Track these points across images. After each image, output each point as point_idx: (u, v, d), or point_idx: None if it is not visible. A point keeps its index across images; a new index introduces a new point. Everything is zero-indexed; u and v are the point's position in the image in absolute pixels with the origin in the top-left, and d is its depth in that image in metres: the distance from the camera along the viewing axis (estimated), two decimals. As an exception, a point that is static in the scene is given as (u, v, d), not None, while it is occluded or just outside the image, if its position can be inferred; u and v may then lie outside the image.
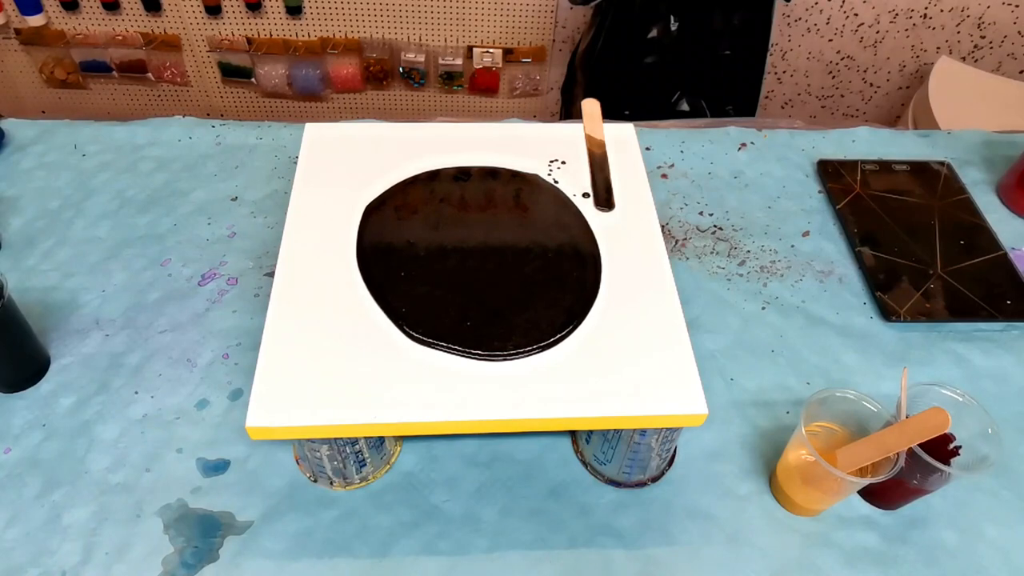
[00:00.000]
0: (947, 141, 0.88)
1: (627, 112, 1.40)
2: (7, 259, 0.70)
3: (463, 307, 0.51)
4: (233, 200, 0.77)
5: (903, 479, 0.52)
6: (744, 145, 0.86)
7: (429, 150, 0.63)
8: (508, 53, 1.67)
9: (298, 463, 0.57)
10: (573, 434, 0.59)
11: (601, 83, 1.43)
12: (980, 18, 1.55)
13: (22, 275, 0.68)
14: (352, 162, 0.61)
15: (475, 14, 1.60)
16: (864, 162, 0.83)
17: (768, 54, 1.49)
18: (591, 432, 0.55)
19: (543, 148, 0.64)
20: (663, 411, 0.47)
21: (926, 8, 1.55)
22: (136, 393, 0.60)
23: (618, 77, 1.41)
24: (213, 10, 1.60)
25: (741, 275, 0.72)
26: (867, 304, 0.70)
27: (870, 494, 0.56)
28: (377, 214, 0.57)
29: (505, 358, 0.49)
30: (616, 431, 0.52)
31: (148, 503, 0.54)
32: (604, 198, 0.60)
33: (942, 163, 0.83)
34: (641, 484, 0.57)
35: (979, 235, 0.75)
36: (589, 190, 0.60)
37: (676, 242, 0.75)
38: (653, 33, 1.42)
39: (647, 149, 0.85)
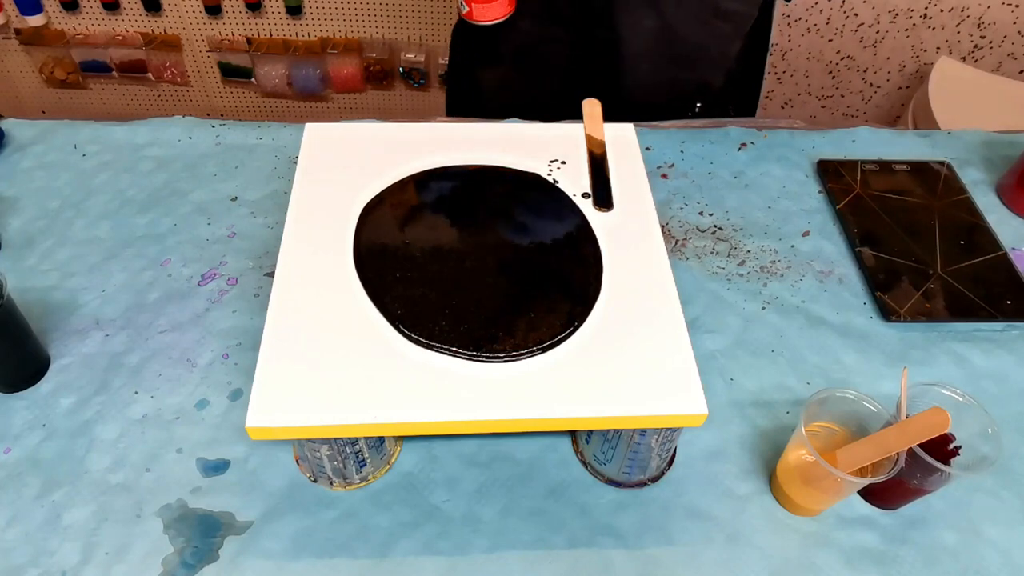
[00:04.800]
0: (947, 141, 0.88)
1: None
2: (7, 259, 0.70)
3: (463, 309, 0.51)
4: (233, 200, 0.77)
5: (903, 479, 0.52)
6: (744, 145, 0.86)
7: (429, 150, 0.63)
8: (508, 53, 1.67)
9: (298, 463, 0.57)
10: (573, 434, 0.59)
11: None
12: (980, 18, 1.55)
13: (22, 275, 0.68)
14: (352, 162, 0.61)
15: (475, 14, 1.60)
16: (864, 162, 0.83)
17: (768, 54, 1.49)
18: (591, 432, 0.55)
19: (543, 148, 0.64)
20: (663, 411, 0.47)
21: (926, 8, 1.55)
22: (136, 393, 0.60)
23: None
24: (213, 10, 1.60)
25: (741, 275, 0.72)
26: (867, 304, 0.70)
27: (870, 494, 0.56)
28: (376, 214, 0.57)
29: (504, 360, 0.49)
30: (616, 431, 0.52)
31: (148, 503, 0.54)
32: (604, 198, 0.60)
33: (942, 163, 0.83)
34: (641, 484, 0.57)
35: (979, 235, 0.75)
36: (589, 190, 0.60)
37: (676, 242, 0.75)
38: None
39: (647, 149, 0.85)
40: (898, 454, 0.49)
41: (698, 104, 0.96)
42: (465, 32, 1.00)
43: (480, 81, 1.02)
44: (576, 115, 0.67)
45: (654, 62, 0.92)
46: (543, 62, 0.98)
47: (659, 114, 0.93)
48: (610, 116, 0.66)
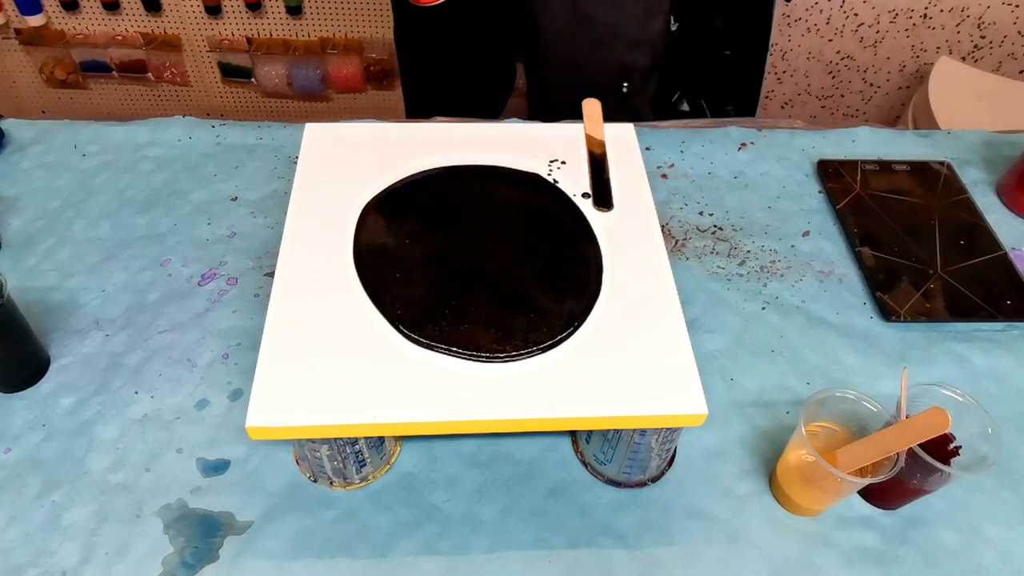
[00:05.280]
0: (947, 141, 0.88)
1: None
2: (7, 259, 0.70)
3: (462, 309, 0.51)
4: (233, 200, 0.77)
5: (903, 479, 0.52)
6: (744, 145, 0.86)
7: (429, 150, 0.63)
8: (508, 53, 1.67)
9: (298, 463, 0.57)
10: (573, 434, 0.59)
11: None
12: (980, 18, 1.55)
13: (22, 275, 0.68)
14: (352, 162, 0.61)
15: (475, 14, 1.60)
16: (864, 162, 0.83)
17: (768, 54, 1.48)
18: (591, 432, 0.55)
19: (543, 148, 0.64)
20: (663, 411, 0.47)
21: (926, 8, 1.55)
22: (136, 393, 0.60)
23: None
24: (213, 10, 1.60)
25: (741, 275, 0.72)
26: (867, 304, 0.70)
27: (870, 494, 0.56)
28: (376, 214, 0.57)
29: (504, 360, 0.48)
30: (616, 431, 0.52)
31: (148, 503, 0.54)
32: (604, 198, 0.60)
33: (942, 163, 0.83)
34: (641, 484, 0.57)
35: (979, 235, 0.75)
36: (589, 190, 0.60)
37: (676, 242, 0.75)
38: (653, 33, 1.42)
39: (647, 149, 0.85)
40: (898, 454, 0.49)
41: (624, 84, 0.97)
42: (403, 31, 1.02)
43: (428, 77, 1.04)
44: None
45: (572, 45, 0.93)
46: (475, 51, 1.00)
47: (589, 97, 0.94)
48: (540, 103, 0.66)
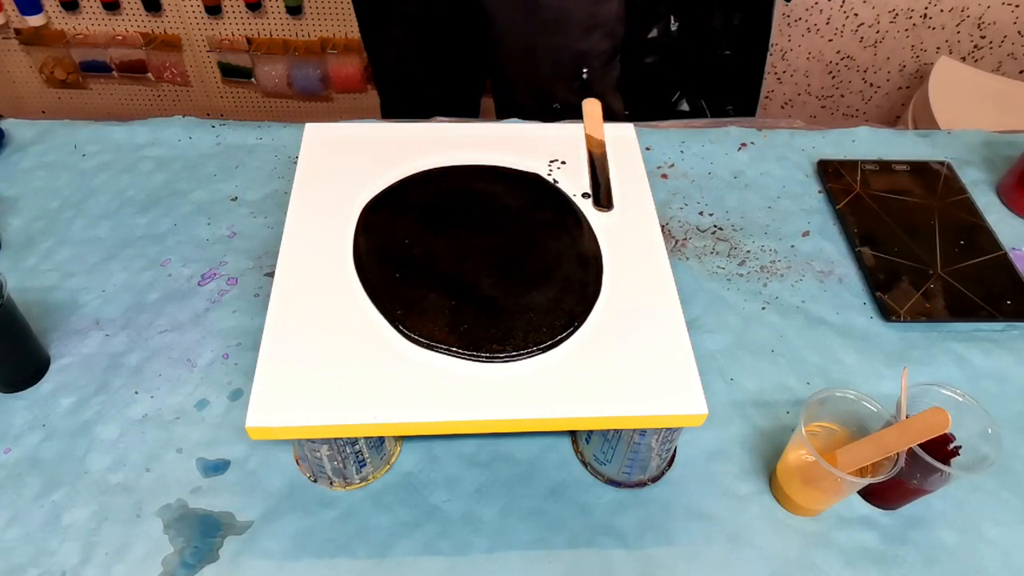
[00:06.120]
0: (947, 141, 0.88)
1: (627, 112, 1.41)
2: (7, 259, 0.70)
3: (462, 309, 0.51)
4: (233, 200, 0.77)
5: (903, 479, 0.52)
6: (744, 145, 0.86)
7: (429, 150, 0.63)
8: (508, 53, 1.67)
9: (298, 463, 0.57)
10: (573, 434, 0.59)
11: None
12: (980, 18, 1.55)
13: (22, 275, 0.68)
14: (352, 162, 0.61)
15: (475, 14, 1.60)
16: (864, 162, 0.83)
17: (768, 54, 1.49)
18: (591, 432, 0.55)
19: (543, 148, 0.64)
20: (663, 411, 0.47)
21: (926, 8, 1.55)
22: (136, 393, 0.60)
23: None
24: (213, 10, 1.60)
25: (741, 275, 0.72)
26: (867, 304, 0.70)
27: (870, 494, 0.56)
28: (376, 214, 0.57)
29: (504, 360, 0.48)
30: (616, 431, 0.52)
31: (148, 503, 0.54)
32: (604, 198, 0.60)
33: (942, 163, 0.83)
34: (641, 484, 0.57)
35: (979, 235, 0.75)
36: (589, 190, 0.60)
37: (676, 242, 0.75)
38: (653, 33, 1.42)
39: (647, 149, 0.85)
40: (898, 454, 0.49)
41: (584, 70, 0.96)
42: (370, 33, 1.03)
43: (405, 74, 1.04)
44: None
45: (525, 33, 0.93)
46: (435, 43, 1.01)
47: (549, 85, 0.93)
48: (502, 96, 0.65)
